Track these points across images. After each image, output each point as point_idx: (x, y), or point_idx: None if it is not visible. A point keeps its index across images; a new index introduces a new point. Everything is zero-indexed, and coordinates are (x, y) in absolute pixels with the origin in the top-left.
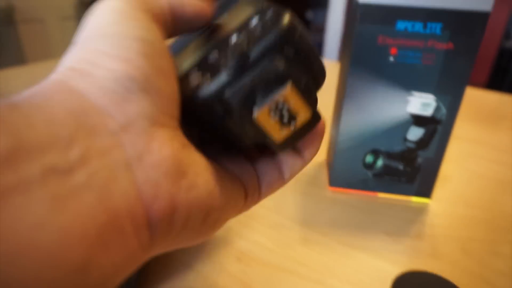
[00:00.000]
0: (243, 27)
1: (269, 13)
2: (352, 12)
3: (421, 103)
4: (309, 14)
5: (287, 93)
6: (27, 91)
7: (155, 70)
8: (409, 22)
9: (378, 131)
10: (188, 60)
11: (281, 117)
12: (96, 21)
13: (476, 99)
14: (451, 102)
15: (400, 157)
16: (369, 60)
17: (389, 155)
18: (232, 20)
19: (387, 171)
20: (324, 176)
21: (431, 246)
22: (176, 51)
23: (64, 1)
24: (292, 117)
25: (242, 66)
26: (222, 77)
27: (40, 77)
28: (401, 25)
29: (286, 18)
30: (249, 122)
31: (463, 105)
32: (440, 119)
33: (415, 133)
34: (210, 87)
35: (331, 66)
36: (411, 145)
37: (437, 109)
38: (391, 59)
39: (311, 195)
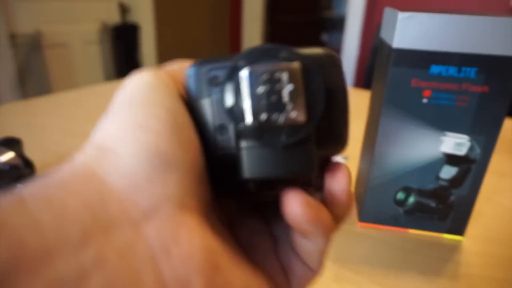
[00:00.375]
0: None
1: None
2: (383, 53)
3: (455, 142)
4: (325, 36)
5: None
6: (44, 177)
7: (182, 144)
8: (443, 67)
9: (410, 169)
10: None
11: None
12: (127, 91)
13: (507, 128)
14: (485, 142)
15: (432, 195)
16: (402, 101)
17: (421, 192)
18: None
19: (419, 208)
20: (353, 211)
21: (467, 287)
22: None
23: (88, 26)
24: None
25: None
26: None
27: (64, 106)
28: (435, 69)
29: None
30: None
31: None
32: (474, 159)
33: (448, 172)
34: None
35: (353, 91)
36: (444, 183)
37: (471, 149)
38: (425, 100)
39: (341, 230)
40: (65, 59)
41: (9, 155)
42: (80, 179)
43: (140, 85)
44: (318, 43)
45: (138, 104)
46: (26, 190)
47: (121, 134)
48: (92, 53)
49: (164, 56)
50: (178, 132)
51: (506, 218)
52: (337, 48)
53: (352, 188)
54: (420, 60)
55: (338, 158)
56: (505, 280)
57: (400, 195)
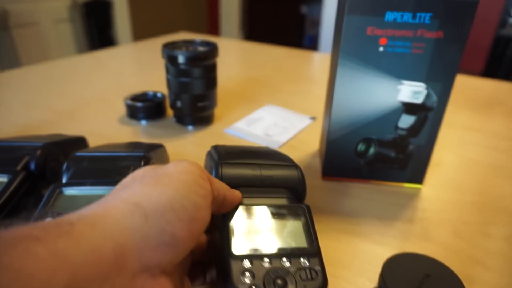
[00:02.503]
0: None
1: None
2: (341, 3)
3: (412, 91)
4: (304, 8)
5: None
6: (84, 210)
7: (193, 236)
8: (398, 13)
9: (369, 120)
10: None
11: None
12: (173, 173)
13: (470, 86)
14: (441, 89)
15: (391, 145)
16: (358, 51)
17: (380, 143)
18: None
19: (379, 158)
20: (317, 166)
21: (423, 230)
22: None
23: (57, 4)
24: None
25: None
26: None
27: (30, 80)
28: (390, 16)
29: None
30: None
31: (457, 92)
32: (431, 106)
33: (406, 121)
34: None
35: (327, 59)
36: (403, 133)
37: (427, 96)
38: (381, 49)
39: None
40: (35, 38)
41: None
42: (113, 223)
43: (182, 172)
44: (297, 15)
45: (178, 189)
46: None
47: (157, 208)
48: (63, 31)
49: (139, 32)
50: (193, 225)
51: (466, 168)
52: (316, 20)
53: (317, 146)
54: (375, 7)
55: (305, 120)
56: (459, 221)
57: (361, 147)
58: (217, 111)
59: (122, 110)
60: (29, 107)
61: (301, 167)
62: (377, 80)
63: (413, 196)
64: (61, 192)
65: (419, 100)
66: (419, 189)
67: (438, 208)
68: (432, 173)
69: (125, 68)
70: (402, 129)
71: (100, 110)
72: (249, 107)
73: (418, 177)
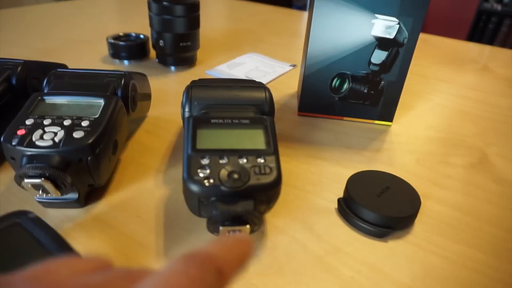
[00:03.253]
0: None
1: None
2: None
3: (385, 25)
4: None
5: (245, 229)
6: None
7: None
8: None
9: (344, 55)
10: None
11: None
12: None
13: (447, 46)
14: (412, 24)
15: (364, 81)
16: None
17: (354, 78)
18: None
19: (352, 94)
20: (295, 105)
21: (388, 158)
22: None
23: None
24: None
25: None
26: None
27: (13, 21)
28: None
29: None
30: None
31: (434, 50)
32: (402, 42)
33: (378, 56)
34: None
35: None
36: (375, 68)
37: (399, 31)
38: None
39: (281, 120)
40: None
41: None
42: None
43: None
44: None
45: None
46: None
47: None
48: None
49: None
50: None
51: (435, 111)
52: None
53: (296, 89)
54: None
55: (285, 66)
56: (423, 152)
57: (335, 82)
58: (200, 55)
59: (104, 50)
60: (10, 45)
61: (279, 105)
62: (353, 14)
63: (383, 131)
64: (42, 100)
65: (391, 35)
66: (388, 126)
67: (404, 141)
68: (402, 114)
69: (107, 14)
70: (375, 64)
71: (83, 50)
72: (232, 54)
73: (388, 114)
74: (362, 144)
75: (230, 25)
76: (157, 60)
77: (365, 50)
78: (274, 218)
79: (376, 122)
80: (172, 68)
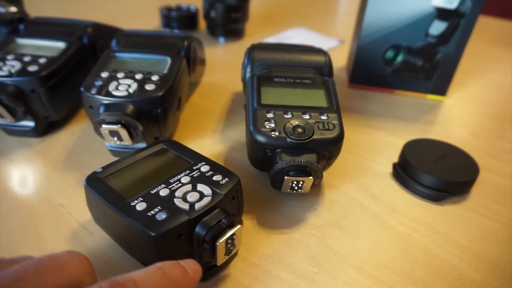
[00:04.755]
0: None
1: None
2: None
3: None
4: None
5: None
6: None
7: None
8: None
9: (401, 25)
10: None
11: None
12: None
13: (501, 28)
14: None
15: (420, 53)
16: None
17: (409, 50)
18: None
19: (406, 67)
20: (344, 78)
21: (442, 130)
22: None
23: None
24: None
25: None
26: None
27: None
28: None
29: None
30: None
31: (486, 32)
32: (464, 13)
33: (437, 27)
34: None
35: None
36: (432, 40)
37: (462, 1)
38: None
39: None
40: None
41: (12, 9)
42: None
43: None
44: None
45: None
46: None
47: None
48: None
49: None
50: None
51: (488, 88)
52: None
53: (344, 62)
54: None
55: (333, 41)
56: (477, 126)
57: (389, 54)
58: (248, 28)
59: (156, 21)
60: (64, 15)
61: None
62: None
63: (436, 106)
64: (114, 56)
65: (453, 5)
66: (441, 101)
67: (458, 115)
68: (455, 90)
69: None
70: (433, 36)
71: (135, 21)
72: (278, 29)
73: (442, 88)
74: (415, 116)
75: (275, 1)
76: (207, 31)
77: (423, 21)
78: (331, 178)
79: (429, 96)
80: (221, 39)
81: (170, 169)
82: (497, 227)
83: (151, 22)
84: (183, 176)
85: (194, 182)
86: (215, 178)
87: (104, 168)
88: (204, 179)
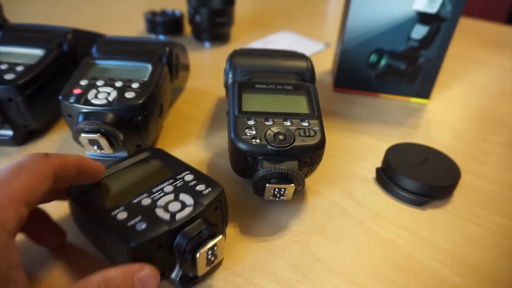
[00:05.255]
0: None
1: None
2: None
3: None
4: None
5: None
6: None
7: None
8: None
9: (383, 30)
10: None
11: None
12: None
13: (485, 29)
14: None
15: (403, 57)
16: None
17: (392, 54)
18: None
19: (389, 70)
20: (329, 82)
21: (425, 134)
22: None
23: None
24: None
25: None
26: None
27: None
28: None
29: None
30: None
31: (472, 32)
32: (445, 17)
33: (419, 31)
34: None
35: None
36: (415, 44)
37: (442, 5)
38: None
39: None
40: None
41: None
42: None
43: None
44: None
45: None
46: None
47: None
48: None
49: None
50: None
51: (472, 91)
52: None
53: (330, 67)
54: None
55: (319, 45)
56: (461, 129)
57: (373, 58)
58: (234, 32)
59: (141, 26)
60: (48, 20)
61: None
62: None
63: (419, 109)
64: (94, 63)
65: (433, 9)
66: (425, 104)
67: (442, 119)
68: (439, 93)
69: None
70: (415, 40)
71: (120, 26)
72: (264, 32)
73: (425, 91)
74: (398, 120)
75: (262, 3)
76: (192, 36)
77: (405, 25)
78: (314, 184)
79: (412, 99)
80: (207, 44)
81: (154, 178)
82: (479, 231)
83: (135, 27)
84: (166, 186)
85: (176, 191)
86: (198, 188)
87: None
88: (187, 188)
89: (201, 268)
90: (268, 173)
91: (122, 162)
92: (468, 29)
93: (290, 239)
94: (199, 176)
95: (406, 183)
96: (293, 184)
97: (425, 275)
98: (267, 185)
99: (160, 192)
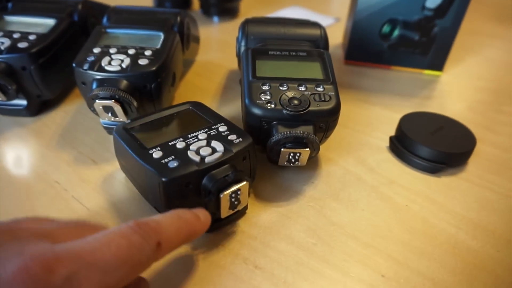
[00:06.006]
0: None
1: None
2: None
3: None
4: None
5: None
6: None
7: None
8: None
9: None
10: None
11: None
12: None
13: (499, 2)
14: None
15: (416, 27)
16: None
17: (406, 25)
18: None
19: (402, 41)
20: (340, 55)
21: (439, 105)
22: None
23: None
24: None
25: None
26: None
27: None
28: None
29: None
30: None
31: (488, 8)
32: None
33: (434, 0)
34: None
35: None
36: (429, 13)
37: None
38: None
39: None
40: None
41: None
42: None
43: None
44: None
45: None
46: None
47: None
48: None
49: None
50: None
51: (485, 63)
52: None
53: (340, 40)
54: None
55: (329, 19)
56: (475, 100)
57: (386, 28)
58: (242, 7)
59: (149, 1)
60: None
61: None
62: None
63: (433, 81)
64: (105, 32)
65: None
66: (438, 76)
67: (455, 90)
68: (452, 66)
69: None
70: (429, 9)
71: (127, 2)
72: (274, 8)
73: (439, 63)
74: (411, 91)
75: None
76: (201, 11)
77: None
78: (327, 152)
79: (426, 71)
80: (215, 18)
81: (191, 126)
82: (494, 196)
83: (144, 2)
84: (200, 133)
85: (209, 139)
86: (230, 137)
87: (132, 120)
88: (219, 137)
89: (224, 210)
90: (283, 137)
91: (165, 111)
92: (483, 3)
93: (305, 204)
94: (233, 128)
95: (420, 151)
96: (308, 149)
97: (441, 238)
98: (282, 149)
99: (194, 138)
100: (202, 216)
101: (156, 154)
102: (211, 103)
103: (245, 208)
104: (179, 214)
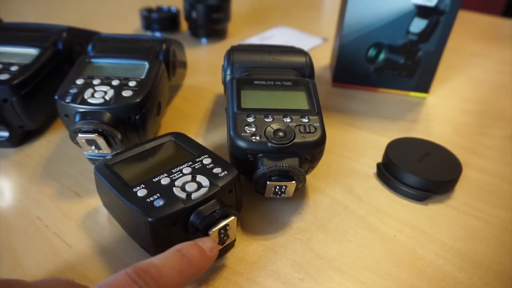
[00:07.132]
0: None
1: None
2: None
3: None
4: None
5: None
6: None
7: None
8: None
9: (382, 23)
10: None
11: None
12: None
13: (483, 22)
14: None
15: (401, 50)
16: None
17: (391, 49)
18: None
19: (388, 65)
20: (328, 77)
21: (425, 128)
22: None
23: None
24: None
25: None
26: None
27: None
28: None
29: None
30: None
31: (470, 25)
32: (444, 10)
33: (417, 25)
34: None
35: None
36: (413, 38)
37: None
38: None
39: None
40: None
41: None
42: None
43: None
44: None
45: None
46: None
47: None
48: None
49: None
50: None
51: (471, 84)
52: None
53: (328, 61)
54: None
55: (316, 40)
56: (460, 123)
57: (372, 52)
58: (230, 28)
59: (136, 23)
60: (43, 18)
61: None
62: None
63: (419, 103)
64: (89, 62)
65: (432, 2)
66: (424, 98)
67: (441, 113)
68: (438, 87)
69: None
70: (413, 33)
71: (115, 23)
72: (261, 28)
73: (424, 85)
74: (397, 114)
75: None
76: (189, 32)
77: (404, 19)
78: (314, 180)
79: (412, 93)
80: (204, 40)
81: (174, 159)
82: (480, 225)
83: (131, 24)
84: (185, 167)
85: (194, 173)
86: (215, 170)
87: (114, 155)
88: (204, 170)
89: None
90: (269, 171)
91: (147, 144)
92: (468, 22)
93: (292, 237)
94: (217, 160)
95: (407, 178)
96: (294, 181)
97: (428, 271)
98: (268, 182)
99: (179, 173)
100: (208, 249)
101: (141, 192)
102: (198, 129)
103: (234, 241)
104: (183, 253)
